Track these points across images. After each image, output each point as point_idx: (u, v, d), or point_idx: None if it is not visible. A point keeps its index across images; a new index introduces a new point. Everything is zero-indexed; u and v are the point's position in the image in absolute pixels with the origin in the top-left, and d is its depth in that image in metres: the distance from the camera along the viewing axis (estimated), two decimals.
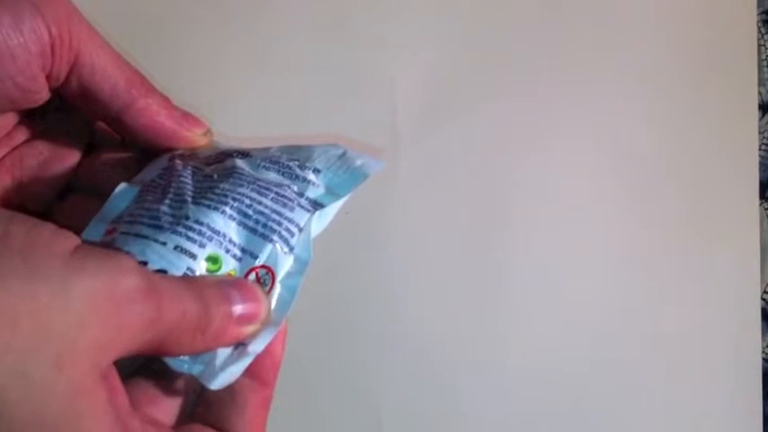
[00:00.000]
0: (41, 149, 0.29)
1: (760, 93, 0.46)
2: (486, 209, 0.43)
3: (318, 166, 0.28)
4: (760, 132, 0.46)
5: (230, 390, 0.25)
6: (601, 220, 0.44)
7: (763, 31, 0.46)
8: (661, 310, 0.44)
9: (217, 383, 0.24)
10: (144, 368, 0.26)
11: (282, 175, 0.27)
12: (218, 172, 0.27)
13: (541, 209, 0.44)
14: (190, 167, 0.27)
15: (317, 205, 0.27)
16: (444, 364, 0.43)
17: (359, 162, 0.28)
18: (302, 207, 0.26)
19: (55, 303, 0.19)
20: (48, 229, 0.21)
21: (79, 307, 0.20)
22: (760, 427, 0.44)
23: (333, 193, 0.27)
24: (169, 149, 0.29)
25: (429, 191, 0.43)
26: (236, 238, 0.25)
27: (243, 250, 0.25)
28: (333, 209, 0.27)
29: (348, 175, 0.28)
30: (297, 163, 0.28)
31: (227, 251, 0.25)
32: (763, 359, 0.45)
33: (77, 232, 0.25)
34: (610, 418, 0.44)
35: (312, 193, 0.27)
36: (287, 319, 0.26)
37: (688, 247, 0.45)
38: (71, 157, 0.30)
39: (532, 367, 0.43)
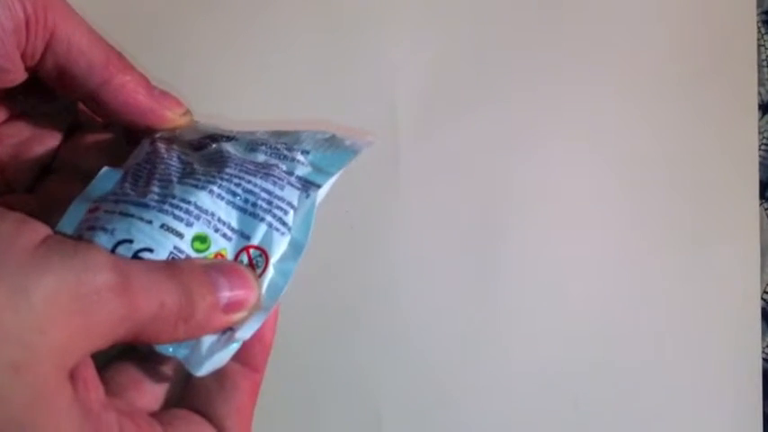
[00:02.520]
0: (21, 129, 0.29)
1: (760, 93, 0.46)
2: (486, 209, 0.43)
3: (306, 148, 0.27)
4: (760, 132, 0.46)
5: (218, 375, 0.24)
6: (601, 220, 0.44)
7: (763, 31, 0.46)
8: (661, 311, 0.44)
9: (203, 370, 0.23)
10: (131, 351, 0.25)
11: (270, 156, 0.27)
12: (203, 155, 0.27)
13: (541, 209, 0.44)
14: (175, 151, 0.27)
15: (307, 183, 0.26)
16: (444, 364, 0.43)
17: (348, 142, 0.28)
18: (292, 185, 0.26)
19: (12, 305, 0.18)
20: (12, 219, 0.20)
21: (39, 308, 0.19)
22: (760, 427, 0.44)
23: (323, 171, 0.27)
24: (148, 129, 0.28)
25: (429, 191, 0.43)
26: (225, 218, 0.25)
27: (233, 230, 0.25)
28: (325, 188, 0.27)
29: (337, 154, 0.27)
30: (284, 145, 0.27)
31: (217, 230, 0.24)
32: (763, 359, 0.45)
33: (59, 212, 0.25)
34: (610, 418, 0.43)
35: (301, 171, 0.26)
36: (278, 304, 0.25)
37: (688, 247, 0.45)
38: (52, 138, 0.29)
39: (532, 367, 0.43)
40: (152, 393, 0.25)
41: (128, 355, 0.25)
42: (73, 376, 0.20)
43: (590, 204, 0.44)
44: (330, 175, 0.26)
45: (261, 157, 0.26)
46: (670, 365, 0.44)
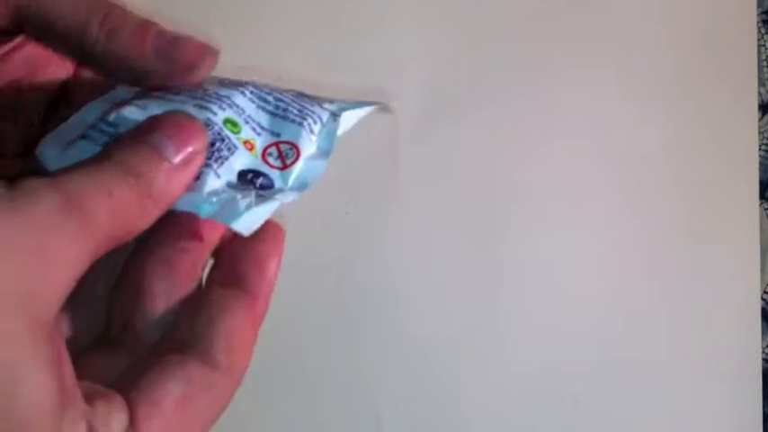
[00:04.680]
0: (26, 59, 0.26)
1: (760, 93, 0.46)
2: (486, 209, 0.43)
3: (327, 100, 0.27)
4: (760, 132, 0.46)
5: (209, 304, 0.22)
6: (601, 221, 0.44)
7: (763, 31, 0.46)
8: (661, 310, 0.44)
9: (241, 224, 0.21)
10: (99, 342, 0.23)
11: (295, 95, 0.27)
12: (225, 82, 0.26)
13: (541, 209, 0.44)
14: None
15: (333, 114, 0.26)
16: (444, 363, 0.43)
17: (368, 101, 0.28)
18: (321, 106, 0.26)
19: None
20: None
21: None
22: (760, 427, 0.44)
23: (347, 110, 0.26)
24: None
25: (429, 191, 0.43)
26: (255, 117, 0.24)
27: (263, 128, 0.24)
28: (349, 116, 0.25)
29: (359, 104, 0.27)
30: (306, 96, 0.27)
31: (247, 122, 0.24)
32: (763, 359, 0.45)
33: None
34: (610, 418, 0.44)
35: (328, 106, 0.26)
36: (282, 226, 0.24)
37: (688, 247, 0.45)
38: (62, 67, 0.26)
39: (532, 367, 0.43)
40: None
41: (98, 347, 0.23)
42: (49, 340, 0.18)
43: (590, 204, 0.44)
44: (355, 111, 0.26)
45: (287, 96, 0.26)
46: (670, 365, 0.44)
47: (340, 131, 0.25)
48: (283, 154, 0.24)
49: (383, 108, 0.27)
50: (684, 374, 0.44)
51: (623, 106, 0.45)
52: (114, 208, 0.19)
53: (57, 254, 0.18)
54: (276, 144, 0.24)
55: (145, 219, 0.20)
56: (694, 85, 0.46)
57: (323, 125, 0.25)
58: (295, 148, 0.24)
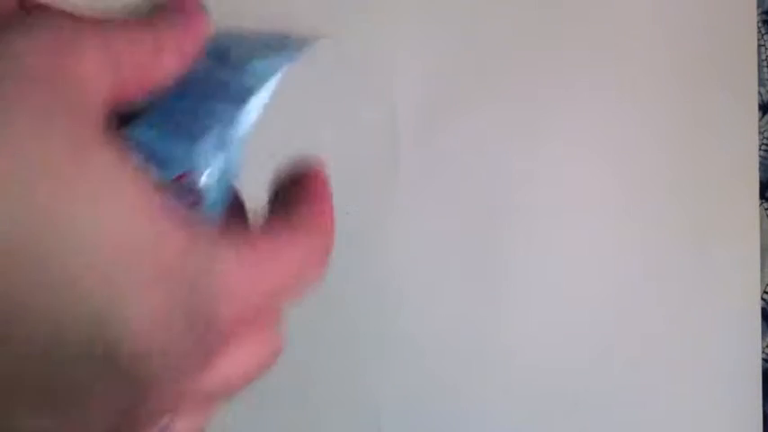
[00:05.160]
0: None
1: (760, 93, 0.46)
2: (485, 209, 0.43)
3: (256, 54, 0.26)
4: (760, 132, 0.46)
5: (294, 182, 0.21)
6: (601, 221, 0.44)
7: (763, 31, 0.46)
8: (661, 310, 0.44)
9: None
10: None
11: (215, 62, 0.25)
12: None
13: (541, 209, 0.44)
14: None
15: (247, 92, 0.25)
16: (444, 363, 0.43)
17: (293, 42, 0.26)
18: (232, 99, 0.24)
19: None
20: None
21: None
22: (760, 427, 0.44)
23: (262, 78, 0.25)
24: None
25: (428, 191, 0.43)
26: (156, 147, 0.22)
27: (163, 159, 0.23)
28: (263, 93, 0.25)
29: (278, 58, 0.26)
30: (231, 52, 0.26)
31: (148, 159, 0.23)
32: (763, 359, 0.45)
33: None
34: (610, 418, 0.44)
35: (247, 81, 0.25)
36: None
37: (688, 247, 0.45)
38: None
39: (532, 367, 0.43)
40: None
41: None
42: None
43: (590, 205, 0.44)
44: (266, 80, 0.25)
45: (201, 68, 0.25)
46: (670, 365, 0.44)
47: (251, 122, 0.24)
48: (188, 188, 0.23)
49: (304, 46, 0.26)
50: (684, 374, 0.44)
51: (623, 107, 0.45)
52: (127, 40, 0.19)
53: (87, 56, 0.17)
54: (181, 178, 0.22)
55: (159, 68, 0.20)
56: (694, 85, 0.46)
57: (231, 126, 0.24)
58: (197, 179, 0.23)
